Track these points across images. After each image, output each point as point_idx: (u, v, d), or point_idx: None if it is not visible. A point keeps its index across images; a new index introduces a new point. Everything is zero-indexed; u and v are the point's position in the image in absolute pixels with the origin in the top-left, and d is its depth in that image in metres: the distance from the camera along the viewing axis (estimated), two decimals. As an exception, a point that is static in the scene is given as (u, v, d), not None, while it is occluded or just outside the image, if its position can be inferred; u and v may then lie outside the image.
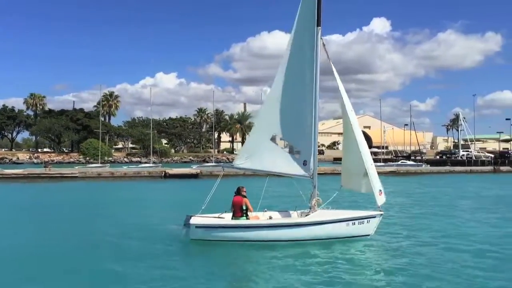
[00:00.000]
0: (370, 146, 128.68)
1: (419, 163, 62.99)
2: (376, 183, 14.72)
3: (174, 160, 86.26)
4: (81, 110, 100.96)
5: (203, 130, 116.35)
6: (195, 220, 13.55)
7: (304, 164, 14.88)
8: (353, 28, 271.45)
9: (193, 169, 49.37)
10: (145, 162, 69.85)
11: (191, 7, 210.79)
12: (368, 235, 14.30)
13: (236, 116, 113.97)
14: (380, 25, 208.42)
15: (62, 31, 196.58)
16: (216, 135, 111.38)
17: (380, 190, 14.77)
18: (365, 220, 14.26)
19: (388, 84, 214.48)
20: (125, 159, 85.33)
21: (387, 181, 41.83)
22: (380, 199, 14.73)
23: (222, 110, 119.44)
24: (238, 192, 14.28)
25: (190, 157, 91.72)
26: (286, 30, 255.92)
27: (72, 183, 39.59)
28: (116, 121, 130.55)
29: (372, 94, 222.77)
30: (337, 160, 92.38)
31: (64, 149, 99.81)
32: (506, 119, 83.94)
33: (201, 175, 46.29)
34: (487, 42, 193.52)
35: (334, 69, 15.21)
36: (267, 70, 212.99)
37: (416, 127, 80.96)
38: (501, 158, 68.46)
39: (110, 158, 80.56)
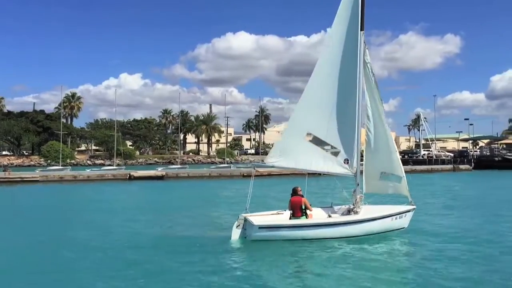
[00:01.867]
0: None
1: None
2: (404, 181, 15.43)
3: (139, 162, 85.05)
4: (42, 111, 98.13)
5: (169, 131, 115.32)
6: (257, 220, 13.66)
7: (346, 162, 15.25)
8: (318, 30, 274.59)
9: (159, 171, 48.85)
10: (109, 165, 68.58)
11: (154, 7, 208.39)
12: (404, 227, 15.29)
13: (202, 117, 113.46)
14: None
15: (20, 30, 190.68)
16: (181, 136, 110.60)
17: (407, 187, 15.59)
18: (404, 215, 15.20)
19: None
20: (88, 161, 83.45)
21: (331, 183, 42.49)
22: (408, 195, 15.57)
23: (188, 111, 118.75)
24: (295, 192, 14.49)
25: (156, 159, 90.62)
26: (251, 31, 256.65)
27: (33, 186, 38.46)
28: (78, 122, 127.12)
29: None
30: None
31: (24, 152, 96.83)
32: (465, 119, 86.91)
33: (167, 177, 45.90)
34: (447, 44, 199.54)
35: (370, 75, 15.43)
36: (232, 71, 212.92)
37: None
38: (460, 157, 70.70)
39: (73, 161, 78.68)
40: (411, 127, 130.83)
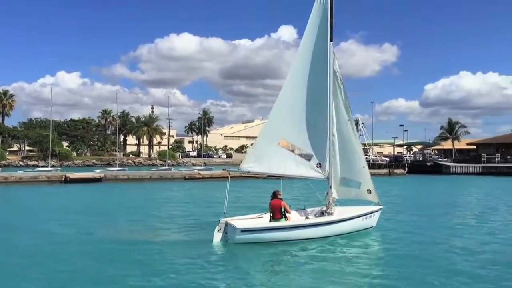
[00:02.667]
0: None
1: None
2: (371, 184, 16.54)
3: (75, 164, 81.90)
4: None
5: (108, 132, 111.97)
6: (239, 224, 14.03)
7: (318, 166, 15.93)
8: (262, 34, 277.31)
9: (97, 173, 47.24)
10: (43, 166, 65.53)
11: (95, 4, 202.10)
12: (373, 226, 16.44)
13: (143, 119, 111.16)
14: (287, 32, 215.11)
15: None
16: (121, 137, 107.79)
17: (369, 190, 16.52)
18: (372, 214, 16.30)
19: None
20: (21, 162, 79.43)
21: (303, 186, 43.14)
22: (375, 196, 16.64)
23: (129, 112, 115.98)
24: (275, 195, 15.05)
25: (94, 161, 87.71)
26: (195, 33, 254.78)
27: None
28: (10, 121, 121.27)
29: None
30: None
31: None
32: (400, 125, 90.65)
33: (105, 179, 44.51)
34: (384, 52, 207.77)
35: (338, 83, 16.19)
36: (175, 73, 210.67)
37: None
38: (395, 161, 73.57)
39: (4, 162, 74.55)
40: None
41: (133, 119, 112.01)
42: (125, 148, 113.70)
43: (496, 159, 70.54)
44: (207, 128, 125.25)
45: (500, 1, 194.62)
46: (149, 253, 13.15)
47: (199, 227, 17.55)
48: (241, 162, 16.28)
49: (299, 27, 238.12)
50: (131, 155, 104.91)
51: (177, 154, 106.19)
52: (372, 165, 71.47)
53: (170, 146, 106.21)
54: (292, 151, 16.13)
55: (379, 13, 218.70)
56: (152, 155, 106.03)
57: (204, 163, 76.73)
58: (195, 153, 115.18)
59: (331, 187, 16.02)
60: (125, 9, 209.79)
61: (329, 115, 15.90)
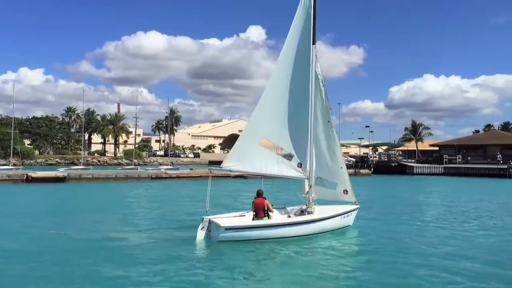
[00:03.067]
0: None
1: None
2: (348, 184, 16.95)
3: (38, 163, 79.80)
4: None
5: (72, 130, 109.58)
6: (223, 222, 14.19)
7: (299, 166, 16.25)
8: (231, 34, 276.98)
9: (60, 172, 46.09)
10: (4, 165, 63.49)
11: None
12: (350, 225, 16.98)
13: (109, 117, 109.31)
14: (256, 32, 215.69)
15: None
16: (86, 136, 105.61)
17: (346, 190, 16.96)
18: (350, 213, 16.83)
19: (262, 90, 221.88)
20: (-20, 161, 76.78)
21: (238, 184, 43.21)
22: (352, 196, 17.08)
23: (94, 110, 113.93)
24: (259, 195, 15.30)
25: (57, 159, 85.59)
26: (163, 31, 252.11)
27: None
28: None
29: (248, 99, 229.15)
30: (213, 163, 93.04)
31: None
32: (366, 126, 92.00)
33: (69, 178, 43.47)
34: (351, 55, 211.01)
35: (320, 85, 16.55)
36: (143, 71, 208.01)
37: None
38: (361, 162, 74.74)
39: (-39, 160, 71.88)
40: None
41: (99, 118, 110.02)
42: (90, 146, 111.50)
43: (458, 160, 72.64)
44: (174, 127, 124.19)
45: (463, 7, 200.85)
46: (128, 252, 13.03)
47: (176, 225, 17.48)
48: (223, 161, 16.43)
49: (268, 27, 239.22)
50: (96, 154, 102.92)
51: (144, 153, 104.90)
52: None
53: (136, 145, 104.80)
54: (274, 150, 16.39)
55: (346, 15, 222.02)
56: (118, 154, 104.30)
57: (171, 163, 75.96)
58: (162, 153, 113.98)
59: (311, 186, 16.37)
60: (91, 5, 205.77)
61: (311, 116, 16.22)
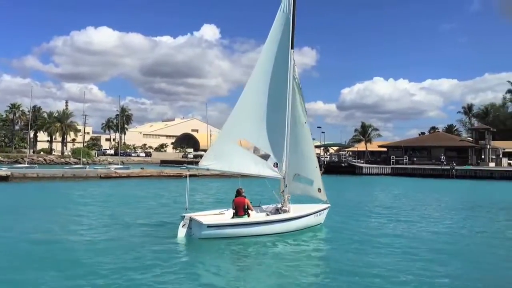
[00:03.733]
0: (197, 149, 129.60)
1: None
2: (321, 183, 17.65)
3: (-22, 161, 75.98)
4: None
5: (17, 128, 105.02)
6: (205, 220, 14.59)
7: (275, 166, 16.79)
8: (184, 32, 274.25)
9: (3, 171, 44.00)
10: None
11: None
12: (321, 223, 17.73)
13: (56, 114, 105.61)
14: (210, 31, 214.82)
15: None
16: (32, 134, 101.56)
17: (319, 188, 17.66)
18: (323, 212, 17.60)
19: (217, 89, 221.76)
20: None
21: (211, 184, 43.06)
22: (324, 195, 17.81)
23: (40, 107, 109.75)
24: (239, 193, 15.64)
25: (0, 158, 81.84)
26: (114, 27, 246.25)
27: None
28: None
29: (201, 98, 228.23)
30: (165, 162, 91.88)
31: None
32: (318, 127, 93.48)
33: (12, 177, 41.57)
34: (304, 56, 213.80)
35: (296, 89, 17.16)
36: (93, 67, 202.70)
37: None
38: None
39: None
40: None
41: (45, 115, 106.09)
42: (35, 145, 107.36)
43: (404, 160, 75.18)
44: (125, 126, 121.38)
45: (412, 12, 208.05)
46: (95, 253, 12.69)
47: (137, 225, 17.34)
48: (200, 159, 16.66)
49: (222, 27, 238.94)
50: (42, 153, 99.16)
51: (93, 152, 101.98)
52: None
53: (85, 144, 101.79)
54: (251, 150, 17.01)
55: (299, 16, 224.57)
56: (66, 153, 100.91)
57: (122, 162, 74.36)
58: (112, 152, 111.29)
59: (286, 186, 16.96)
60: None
61: (288, 118, 16.80)
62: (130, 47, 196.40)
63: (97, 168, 54.49)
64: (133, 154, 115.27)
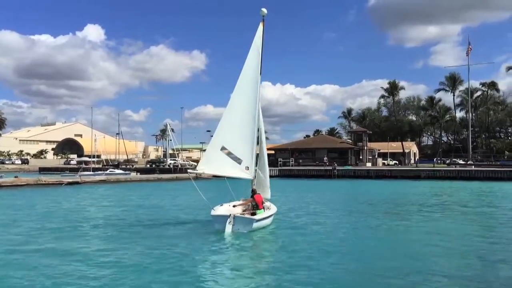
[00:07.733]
0: (81, 155, 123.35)
1: (127, 172, 64.65)
2: (268, 187, 21.38)
3: None
4: None
5: None
6: (251, 215, 18.08)
7: (247, 169, 20.06)
8: (66, 32, 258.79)
9: None
10: None
11: None
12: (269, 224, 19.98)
13: None
14: (94, 32, 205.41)
15: None
16: None
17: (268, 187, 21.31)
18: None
19: (102, 92, 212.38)
20: None
21: (97, 191, 40.94)
22: (269, 194, 21.41)
23: None
24: (254, 192, 19.30)
25: None
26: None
27: None
28: None
29: (86, 101, 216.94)
30: (44, 169, 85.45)
31: None
32: (207, 130, 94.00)
33: None
34: (194, 59, 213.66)
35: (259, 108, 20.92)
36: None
37: (129, 137, 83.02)
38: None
39: None
40: (159, 137, 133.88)
41: None
42: None
43: (291, 162, 78.25)
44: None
45: (299, 20, 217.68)
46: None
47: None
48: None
49: (108, 28, 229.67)
50: None
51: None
52: (180, 169, 72.43)
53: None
54: (229, 156, 19.80)
55: (188, 20, 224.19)
56: None
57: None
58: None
59: (254, 184, 20.32)
60: None
61: (256, 131, 20.38)
62: (3, 46, 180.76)
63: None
64: (7, 161, 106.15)
